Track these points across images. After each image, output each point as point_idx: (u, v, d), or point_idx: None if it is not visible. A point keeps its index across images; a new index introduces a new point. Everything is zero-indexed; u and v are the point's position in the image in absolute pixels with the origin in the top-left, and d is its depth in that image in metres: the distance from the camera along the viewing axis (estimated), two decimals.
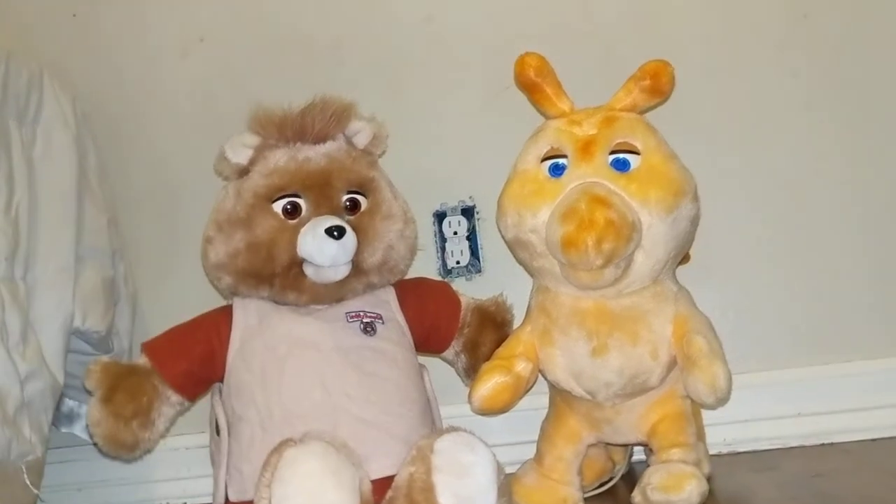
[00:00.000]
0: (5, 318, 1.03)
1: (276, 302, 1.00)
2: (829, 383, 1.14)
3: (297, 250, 0.96)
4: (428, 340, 1.05)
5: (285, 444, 0.84)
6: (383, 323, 0.99)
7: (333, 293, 0.99)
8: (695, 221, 0.95)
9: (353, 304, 1.00)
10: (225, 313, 1.00)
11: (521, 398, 0.98)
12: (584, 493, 0.99)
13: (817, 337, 1.17)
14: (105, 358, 1.03)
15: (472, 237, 1.26)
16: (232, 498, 0.92)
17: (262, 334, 0.97)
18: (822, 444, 1.13)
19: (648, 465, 0.95)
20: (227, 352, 0.97)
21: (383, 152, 1.07)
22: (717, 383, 0.88)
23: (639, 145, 0.94)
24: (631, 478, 1.07)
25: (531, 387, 0.99)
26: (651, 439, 0.96)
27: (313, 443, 0.83)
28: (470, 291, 1.12)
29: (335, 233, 0.94)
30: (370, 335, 0.97)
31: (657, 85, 0.95)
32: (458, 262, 1.26)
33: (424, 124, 1.26)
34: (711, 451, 1.07)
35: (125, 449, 0.97)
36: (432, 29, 1.28)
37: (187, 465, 1.27)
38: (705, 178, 0.98)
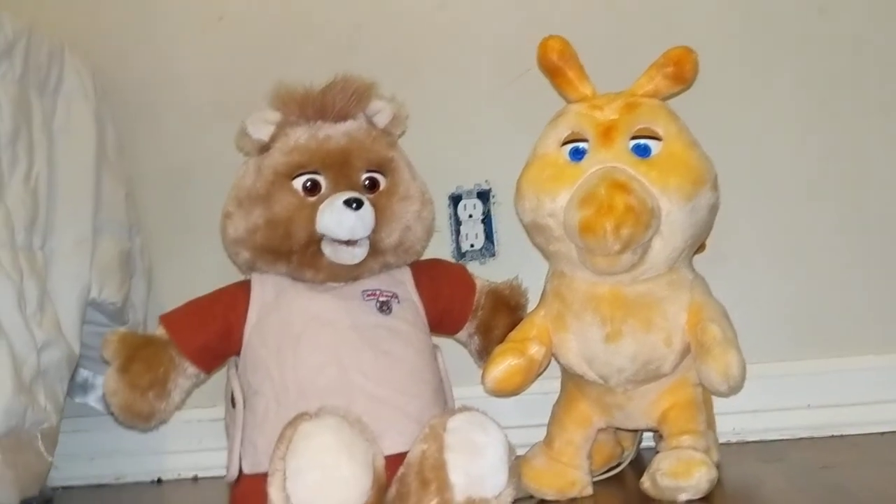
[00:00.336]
0: (23, 287, 1.04)
1: (294, 278, 1.00)
2: (840, 376, 1.15)
3: (316, 227, 0.96)
4: (442, 321, 1.06)
5: (300, 417, 0.85)
6: (399, 302, 1.00)
7: (350, 272, 1.00)
8: (713, 210, 0.95)
9: (370, 283, 1.00)
10: (243, 288, 1.00)
11: (533, 381, 0.98)
12: (593, 477, 1.00)
13: (829, 329, 1.17)
14: (122, 328, 1.04)
15: (487, 221, 1.26)
16: (246, 470, 0.93)
17: (278, 310, 0.97)
18: (831, 437, 1.13)
19: (657, 452, 0.95)
20: (244, 326, 0.97)
21: (403, 133, 1.07)
22: (730, 371, 0.88)
23: (660, 131, 0.93)
24: (639, 464, 1.07)
25: (543, 370, 0.99)
26: (661, 426, 0.96)
27: (328, 417, 0.84)
28: (483, 275, 1.12)
29: (353, 204, 0.94)
30: (386, 314, 0.98)
31: (680, 72, 0.95)
32: (472, 246, 1.26)
33: (440, 108, 1.27)
34: (720, 440, 1.07)
35: (141, 419, 0.98)
36: (448, 13, 1.28)
37: (199, 437, 1.28)
38: (722, 168, 0.98)
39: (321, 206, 0.96)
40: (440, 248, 1.23)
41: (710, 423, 1.02)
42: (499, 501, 0.85)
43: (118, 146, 1.28)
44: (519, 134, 1.06)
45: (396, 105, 1.04)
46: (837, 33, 1.19)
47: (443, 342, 1.08)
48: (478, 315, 1.07)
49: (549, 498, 0.97)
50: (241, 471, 0.94)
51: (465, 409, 0.89)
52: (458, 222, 1.26)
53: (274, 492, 0.81)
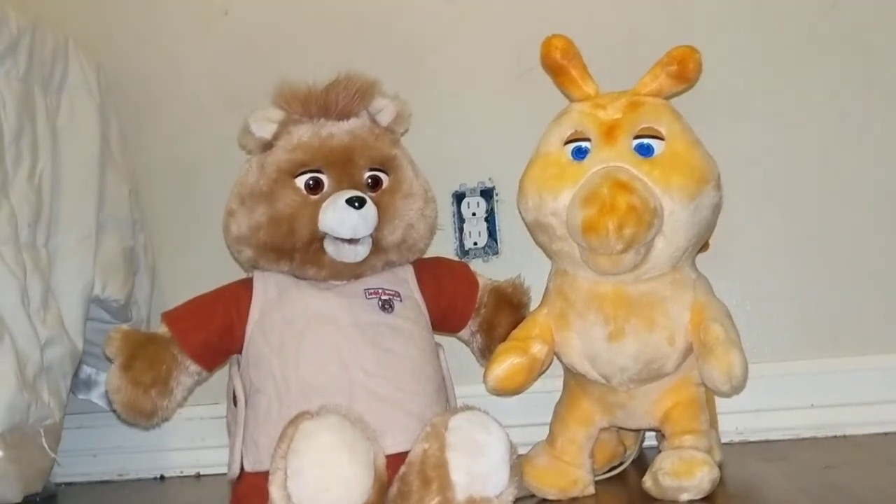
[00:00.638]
0: (27, 283, 1.04)
1: (296, 276, 1.00)
2: (843, 376, 1.14)
3: (319, 225, 0.96)
4: (444, 319, 1.06)
5: (302, 416, 0.84)
6: (401, 300, 1.00)
7: (352, 269, 1.00)
8: (716, 209, 0.95)
9: (372, 281, 1.00)
10: (245, 286, 1.01)
11: (535, 380, 0.98)
12: (595, 476, 1.00)
13: (832, 329, 1.17)
14: (125, 326, 1.04)
15: (490, 219, 1.26)
16: (248, 468, 0.93)
17: (281, 308, 0.97)
18: (834, 437, 1.13)
19: (660, 451, 0.95)
20: (246, 324, 0.98)
21: (406, 130, 1.07)
22: (732, 371, 0.88)
23: (663, 131, 0.93)
24: (641, 463, 1.07)
25: (546, 369, 0.99)
26: (664, 425, 0.96)
27: (329, 416, 0.83)
28: (486, 273, 1.12)
29: (356, 203, 0.94)
30: (388, 312, 0.98)
31: (684, 71, 0.95)
32: (475, 244, 1.26)
33: (445, 105, 1.27)
34: (723, 440, 1.07)
35: (143, 416, 0.98)
36: (454, 9, 1.28)
37: (202, 434, 1.28)
38: (726, 166, 0.98)
39: (324, 205, 0.96)
40: (443, 246, 1.23)
41: (713, 423, 1.02)
42: (500, 500, 0.84)
43: (122, 142, 1.28)
44: (522, 132, 1.06)
45: (399, 103, 1.04)
46: (846, 30, 1.18)
47: (445, 340, 1.08)
48: (480, 313, 1.07)
49: (551, 497, 0.97)
50: (242, 469, 0.94)
51: (466, 407, 0.88)
52: (461, 220, 1.26)
53: (275, 490, 0.81)
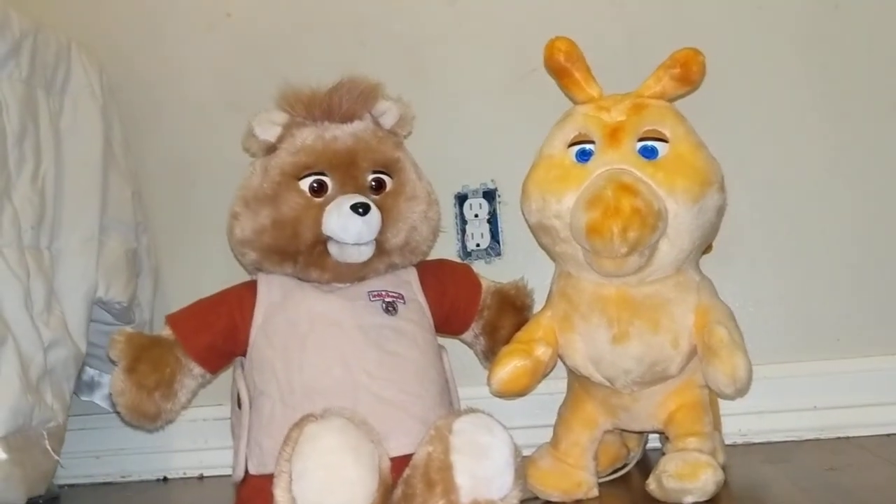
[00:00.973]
0: (30, 286, 1.04)
1: (300, 279, 1.00)
2: (846, 378, 1.14)
3: (322, 228, 0.96)
4: (448, 322, 1.06)
5: (306, 419, 0.84)
6: (405, 303, 1.00)
7: (356, 272, 1.00)
8: (720, 212, 0.95)
9: (376, 284, 1.00)
10: (249, 288, 1.01)
11: (539, 382, 0.98)
12: (599, 478, 1.00)
13: (835, 331, 1.17)
14: (129, 329, 1.04)
15: (492, 220, 1.26)
16: (252, 471, 0.93)
17: (284, 310, 0.97)
18: (837, 438, 1.13)
19: (663, 453, 0.95)
20: (250, 326, 0.98)
21: (409, 133, 1.07)
22: (737, 374, 0.88)
23: (667, 133, 0.93)
24: (645, 465, 1.07)
25: (550, 371, 0.99)
26: (667, 427, 0.96)
27: (334, 419, 0.83)
28: (489, 275, 1.12)
29: (360, 210, 0.94)
30: (391, 315, 0.98)
31: (687, 73, 0.95)
32: (477, 245, 1.26)
33: (447, 106, 1.27)
34: (727, 442, 1.07)
35: (147, 419, 0.98)
36: (456, 10, 1.28)
37: (205, 436, 1.28)
38: (729, 169, 0.98)
39: (328, 208, 0.96)
40: (446, 248, 1.23)
41: (717, 425, 1.02)
42: (505, 503, 0.84)
43: (125, 145, 1.28)
44: (525, 133, 1.06)
45: (403, 105, 1.04)
46: (849, 32, 1.18)
47: (448, 343, 1.08)
48: (483, 315, 1.07)
49: (554, 499, 0.97)
50: (246, 471, 0.94)
51: (470, 410, 0.88)
52: (463, 222, 1.26)
53: (280, 493, 0.81)
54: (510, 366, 0.95)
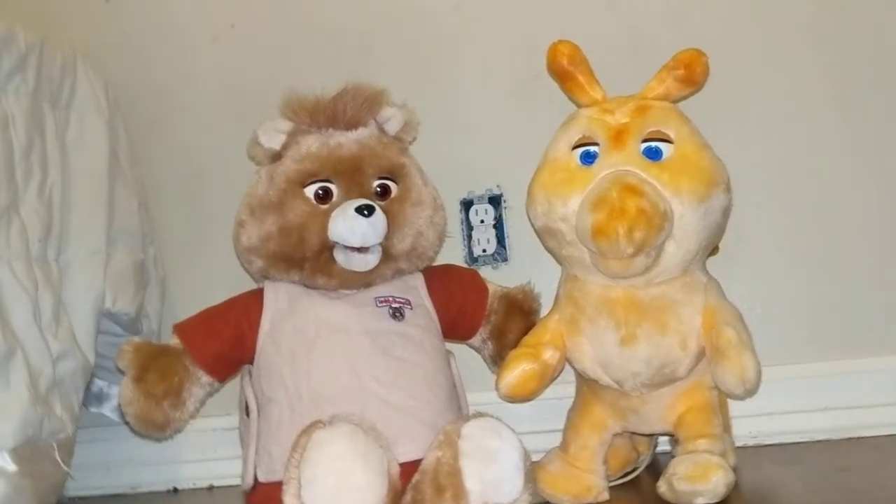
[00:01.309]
0: (38, 298, 1.04)
1: (307, 286, 1.00)
2: (857, 378, 1.14)
3: (328, 234, 0.97)
4: (455, 327, 1.06)
5: (314, 425, 0.85)
6: (412, 308, 1.00)
7: (362, 278, 1.00)
8: (726, 212, 0.95)
9: (382, 290, 1.01)
10: (256, 296, 1.01)
11: (547, 386, 0.98)
12: (609, 482, 0.99)
13: (845, 331, 1.16)
14: (137, 338, 1.04)
15: (498, 226, 1.26)
16: (261, 478, 0.93)
17: (291, 317, 0.98)
18: (849, 439, 1.12)
19: (673, 456, 0.95)
20: (257, 334, 0.98)
21: (414, 139, 1.07)
22: (746, 375, 0.88)
23: (672, 134, 0.93)
24: (655, 468, 1.06)
25: (558, 375, 0.99)
26: (677, 430, 0.96)
27: (342, 425, 0.84)
28: (495, 280, 1.12)
29: (365, 211, 0.94)
30: (399, 320, 0.98)
31: (691, 74, 0.95)
32: (483, 251, 1.26)
33: (452, 112, 1.27)
34: (737, 444, 1.06)
35: (156, 428, 0.98)
36: (460, 16, 1.28)
37: (214, 446, 1.28)
38: (735, 169, 0.98)
39: (333, 214, 0.97)
40: (452, 254, 1.22)
41: (727, 427, 1.01)
42: None
43: (131, 156, 1.29)
44: (530, 138, 1.06)
45: (407, 112, 1.04)
46: (855, 30, 1.18)
47: (456, 348, 1.08)
48: (491, 320, 1.07)
49: None
50: (256, 479, 0.94)
51: (479, 414, 0.89)
52: (469, 227, 1.26)
53: (289, 500, 0.81)
54: (518, 370, 0.95)
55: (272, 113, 1.03)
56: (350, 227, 0.95)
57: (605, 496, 0.97)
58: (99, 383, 1.28)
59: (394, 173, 1.02)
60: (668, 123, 0.94)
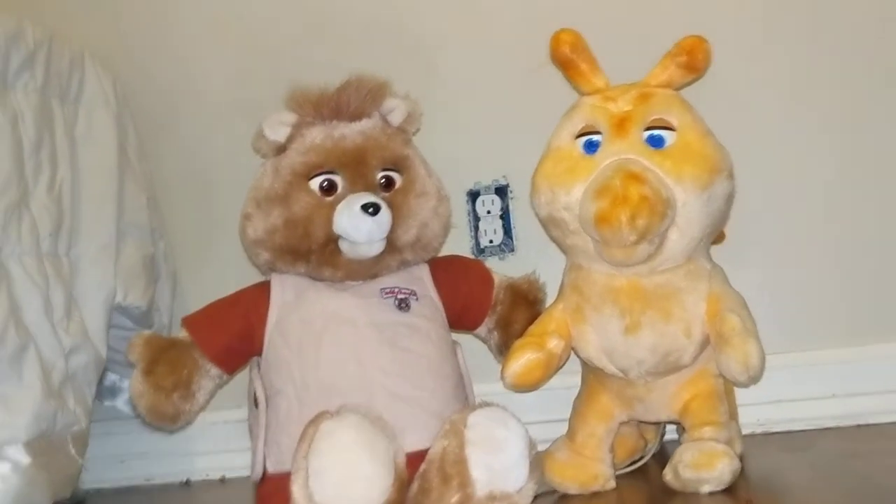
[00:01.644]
0: (50, 293, 1.06)
1: (313, 278, 1.01)
2: (865, 364, 1.13)
3: (333, 227, 0.97)
4: (461, 317, 1.06)
5: (322, 416, 0.85)
6: (417, 299, 1.00)
7: (368, 269, 1.00)
8: (730, 199, 0.95)
9: (388, 281, 1.01)
10: (263, 289, 1.02)
11: (553, 375, 0.98)
12: (616, 470, 0.99)
13: (853, 317, 1.16)
14: (147, 332, 1.05)
15: (505, 216, 1.26)
16: (270, 469, 0.94)
17: (298, 309, 0.98)
18: (857, 426, 1.12)
19: (680, 444, 0.95)
20: (265, 327, 0.98)
21: (418, 130, 1.07)
22: (749, 361, 0.88)
23: (674, 122, 0.93)
24: (663, 456, 1.06)
25: (563, 364, 0.99)
26: (683, 417, 0.96)
27: (349, 415, 0.84)
28: (503, 270, 1.12)
29: (370, 209, 0.95)
30: (404, 311, 0.98)
31: (693, 61, 0.94)
32: (491, 241, 1.26)
33: (457, 103, 1.27)
34: (745, 431, 1.06)
35: (167, 420, 0.99)
36: (465, 6, 1.28)
37: (226, 438, 1.29)
38: (741, 156, 0.98)
39: (338, 208, 0.97)
40: (459, 244, 1.23)
41: (733, 414, 1.01)
42: (520, 496, 0.85)
43: (140, 151, 1.30)
44: (536, 129, 1.05)
45: (411, 103, 1.05)
46: (861, 19, 1.17)
47: (462, 338, 1.08)
48: (497, 310, 1.07)
49: (572, 492, 0.97)
50: (265, 470, 0.95)
51: (485, 404, 0.89)
52: (476, 218, 1.27)
53: (297, 490, 0.82)
54: (523, 359, 0.96)
55: (277, 107, 1.04)
56: (356, 226, 0.96)
57: (612, 484, 0.97)
58: (111, 377, 1.30)
59: (398, 164, 1.02)
60: (670, 111, 0.94)
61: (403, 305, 0.99)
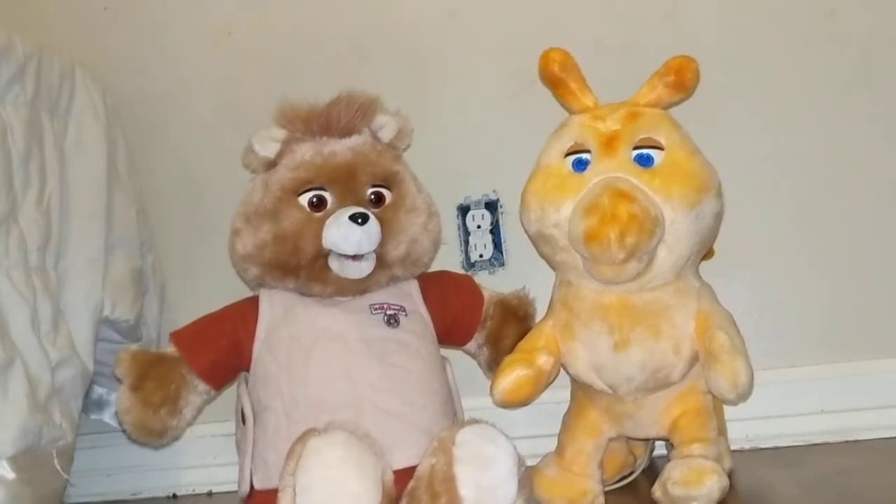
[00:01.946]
0: (37, 306, 1.05)
1: (302, 293, 1.01)
2: (853, 380, 1.14)
3: (323, 242, 0.97)
4: (450, 333, 1.06)
5: (309, 433, 0.85)
6: (406, 315, 1.00)
7: (357, 285, 1.00)
8: (718, 217, 0.95)
9: (377, 297, 1.01)
10: (251, 304, 1.01)
11: (542, 391, 0.98)
12: (605, 486, 1.00)
13: (841, 334, 1.16)
14: (134, 346, 1.05)
15: (495, 231, 1.26)
16: (257, 486, 0.93)
17: (287, 325, 0.98)
18: (846, 442, 1.12)
19: (669, 460, 0.95)
20: (254, 342, 0.98)
21: (408, 146, 1.08)
22: (738, 379, 0.88)
23: (662, 140, 0.94)
24: (652, 472, 1.06)
25: (553, 380, 0.99)
26: (672, 434, 0.96)
27: (337, 432, 0.84)
28: (492, 285, 1.12)
29: (359, 219, 0.95)
30: (393, 327, 0.98)
31: (681, 81, 0.95)
32: (481, 256, 1.26)
33: (448, 119, 1.27)
34: (733, 447, 1.07)
35: (154, 436, 0.99)
36: (455, 24, 1.29)
37: (213, 452, 1.29)
38: (729, 174, 0.98)
39: (327, 221, 0.97)
40: (449, 259, 1.23)
41: (722, 431, 1.02)
42: None
43: (129, 163, 1.29)
44: (526, 144, 1.06)
45: (401, 119, 1.05)
46: (847, 36, 1.18)
47: (452, 354, 1.08)
48: (486, 326, 1.07)
49: None
50: (252, 486, 0.94)
51: (473, 421, 0.89)
52: (466, 233, 1.27)
53: None
54: (512, 375, 0.95)
55: (268, 121, 1.04)
56: (344, 235, 0.95)
57: (601, 501, 0.97)
58: (98, 390, 1.29)
59: (388, 181, 1.02)
60: (658, 130, 0.94)
61: (393, 321, 0.99)
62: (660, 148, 0.93)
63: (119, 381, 0.99)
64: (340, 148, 1.01)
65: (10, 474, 0.98)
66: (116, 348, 1.11)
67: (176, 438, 1.02)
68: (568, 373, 1.00)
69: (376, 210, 1.00)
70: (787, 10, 1.19)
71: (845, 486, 0.94)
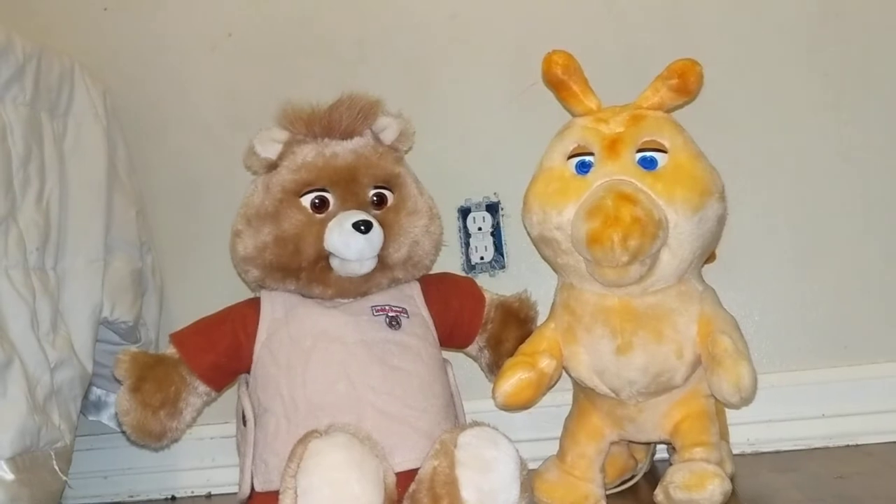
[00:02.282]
0: (36, 307, 1.05)
1: (303, 295, 1.01)
2: (854, 385, 1.14)
3: (324, 244, 0.97)
4: (452, 335, 1.06)
5: (310, 435, 0.85)
6: (408, 317, 1.00)
7: (359, 287, 1.00)
8: (721, 221, 0.95)
9: (379, 298, 1.01)
10: (252, 306, 1.01)
11: (544, 394, 0.98)
12: (606, 490, 0.99)
13: (842, 338, 1.16)
14: (134, 348, 1.05)
15: (496, 233, 1.26)
16: (258, 488, 0.93)
17: (288, 327, 0.98)
18: (846, 446, 1.12)
19: (671, 464, 0.95)
20: (254, 344, 0.98)
21: (410, 148, 1.07)
22: (741, 383, 0.88)
23: (666, 143, 0.93)
24: (653, 476, 1.07)
25: (554, 383, 0.99)
26: (674, 438, 0.96)
27: (338, 434, 0.84)
28: (493, 287, 1.12)
29: (362, 227, 0.95)
30: (395, 329, 0.98)
31: (685, 84, 0.95)
32: (481, 258, 1.26)
33: (449, 121, 1.27)
34: (734, 451, 1.06)
35: (153, 437, 0.98)
36: (457, 25, 1.29)
37: (212, 454, 1.28)
38: (732, 177, 0.98)
39: (329, 225, 0.97)
40: (450, 262, 1.23)
41: (724, 435, 1.02)
42: None
43: (129, 165, 1.29)
44: (527, 146, 1.06)
45: (403, 121, 1.05)
46: (852, 38, 1.18)
47: (453, 356, 1.08)
48: (487, 328, 1.07)
49: None
50: (252, 489, 0.94)
51: (475, 424, 0.89)
52: (467, 235, 1.27)
53: None
54: (514, 378, 0.95)
55: (268, 122, 1.04)
56: (346, 243, 0.95)
57: None
58: (97, 391, 1.28)
59: (389, 182, 1.02)
60: (662, 133, 0.94)
61: (394, 323, 0.99)
62: (663, 151, 0.93)
63: (118, 382, 0.99)
64: (342, 150, 1.00)
65: (9, 475, 0.98)
66: (115, 350, 1.10)
67: (175, 440, 1.02)
68: (570, 376, 1.00)
69: (378, 212, 1.00)
70: (788, 11, 1.19)
71: (846, 491, 0.94)
